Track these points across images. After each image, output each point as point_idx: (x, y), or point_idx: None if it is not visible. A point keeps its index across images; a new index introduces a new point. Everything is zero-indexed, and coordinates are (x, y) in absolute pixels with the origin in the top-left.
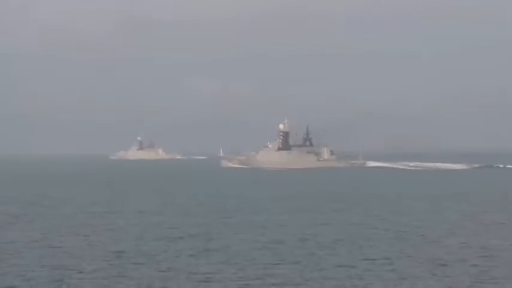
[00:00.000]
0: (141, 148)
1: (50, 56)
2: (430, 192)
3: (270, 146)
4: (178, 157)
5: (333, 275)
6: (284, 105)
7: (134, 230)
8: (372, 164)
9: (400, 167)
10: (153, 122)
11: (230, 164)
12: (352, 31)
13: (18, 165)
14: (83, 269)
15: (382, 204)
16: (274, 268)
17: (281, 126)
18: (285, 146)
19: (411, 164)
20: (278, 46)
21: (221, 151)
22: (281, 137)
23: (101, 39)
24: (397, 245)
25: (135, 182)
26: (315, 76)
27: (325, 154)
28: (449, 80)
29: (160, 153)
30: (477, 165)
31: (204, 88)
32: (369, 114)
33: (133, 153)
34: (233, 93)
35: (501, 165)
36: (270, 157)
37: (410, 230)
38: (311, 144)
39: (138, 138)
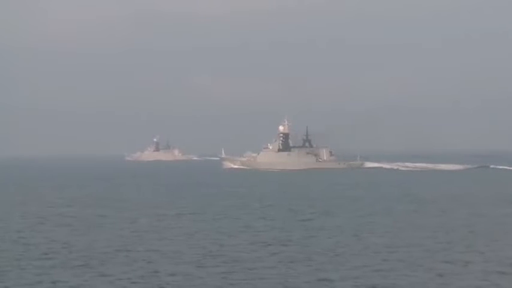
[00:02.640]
0: (157, 149)
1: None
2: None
3: (271, 147)
4: (194, 158)
5: None
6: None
7: (216, 232)
8: (369, 164)
9: (398, 167)
10: (168, 119)
11: (232, 165)
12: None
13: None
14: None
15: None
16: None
17: (281, 127)
18: (285, 147)
19: (408, 164)
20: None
21: (223, 152)
22: (281, 139)
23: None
24: None
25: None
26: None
27: (324, 155)
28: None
29: (176, 154)
30: (471, 166)
31: (213, 85)
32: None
33: (150, 154)
34: (242, 89)
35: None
36: (270, 158)
37: None
38: (310, 145)
39: (154, 139)
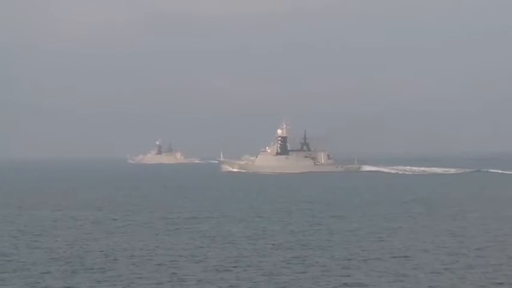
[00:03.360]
0: (159, 152)
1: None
2: None
3: (269, 150)
4: (196, 161)
5: None
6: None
7: (233, 237)
8: (366, 168)
9: (393, 171)
10: (170, 122)
11: (230, 169)
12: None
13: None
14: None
15: None
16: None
17: (279, 131)
18: (283, 150)
19: (404, 167)
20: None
21: (221, 155)
22: (279, 142)
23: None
24: None
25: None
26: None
27: (322, 158)
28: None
29: (178, 158)
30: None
31: (214, 85)
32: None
33: (152, 158)
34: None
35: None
36: (268, 162)
37: None
38: (308, 149)
39: (157, 142)
